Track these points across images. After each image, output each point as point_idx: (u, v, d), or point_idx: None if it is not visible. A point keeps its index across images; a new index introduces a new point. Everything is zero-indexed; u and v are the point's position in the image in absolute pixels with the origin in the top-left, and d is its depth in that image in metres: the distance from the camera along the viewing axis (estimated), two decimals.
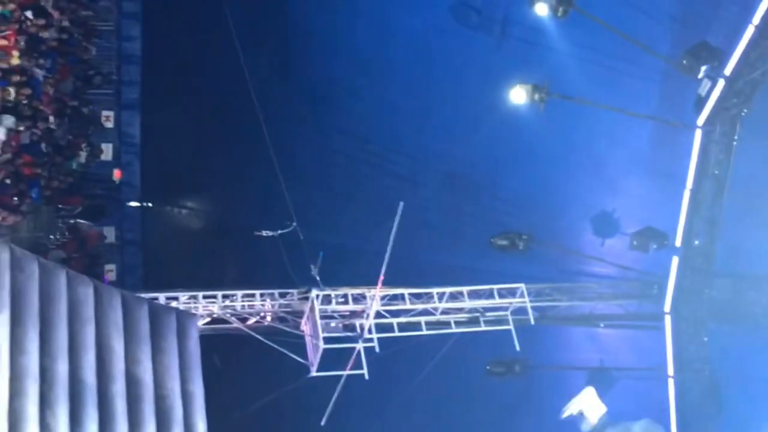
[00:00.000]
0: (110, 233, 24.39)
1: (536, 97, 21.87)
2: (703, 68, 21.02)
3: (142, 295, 18.43)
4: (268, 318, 21.32)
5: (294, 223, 21.36)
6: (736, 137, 21.60)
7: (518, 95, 22.07)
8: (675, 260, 22.59)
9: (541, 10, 21.02)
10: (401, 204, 19.40)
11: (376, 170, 26.56)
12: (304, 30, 26.03)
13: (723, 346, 22.67)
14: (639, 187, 23.78)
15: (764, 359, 22.29)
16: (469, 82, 25.10)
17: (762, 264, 22.32)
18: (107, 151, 24.45)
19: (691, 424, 22.50)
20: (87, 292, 16.31)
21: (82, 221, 23.59)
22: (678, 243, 22.47)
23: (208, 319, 20.87)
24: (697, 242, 22.41)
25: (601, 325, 24.18)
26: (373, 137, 26.41)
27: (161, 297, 20.18)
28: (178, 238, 26.28)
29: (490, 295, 22.17)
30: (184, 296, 20.59)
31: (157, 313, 17.14)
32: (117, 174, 24.61)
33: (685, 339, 22.60)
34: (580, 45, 23.71)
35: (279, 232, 21.10)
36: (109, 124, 24.45)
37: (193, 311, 20.02)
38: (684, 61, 21.16)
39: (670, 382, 22.62)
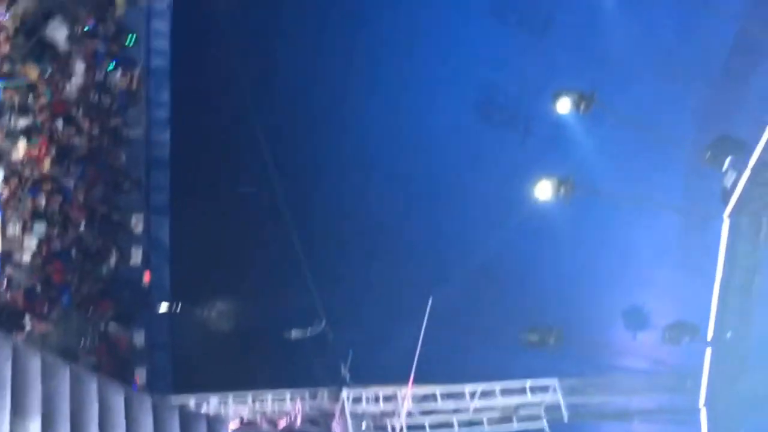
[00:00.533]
0: (140, 337, 24.42)
1: (561, 190, 21.98)
2: (728, 160, 21.10)
3: (172, 397, 18.40)
4: (299, 420, 21.19)
5: (323, 323, 21.39)
6: (763, 228, 21.55)
7: (543, 189, 22.20)
8: (708, 353, 22.36)
9: (564, 107, 21.26)
10: (430, 299, 19.42)
11: (405, 266, 26.55)
12: (332, 135, 26.35)
13: None
14: (669, 280, 23.66)
15: None
16: (495, 179, 25.25)
17: None
18: (137, 256, 24.63)
19: None
20: (118, 399, 16.28)
21: (112, 326, 23.67)
22: (710, 336, 22.27)
23: (239, 422, 20.78)
24: (729, 334, 22.21)
25: (636, 420, 23.84)
26: (402, 233, 26.48)
27: (191, 400, 20.15)
28: (208, 340, 26.27)
29: (522, 390, 21.99)
30: (214, 400, 20.55)
31: (187, 420, 17.05)
32: (146, 278, 24.74)
33: None
34: (604, 139, 23.88)
35: (309, 333, 21.13)
36: (139, 229, 24.66)
37: (224, 414, 19.93)
38: (708, 155, 21.27)
39: None
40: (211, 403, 20.40)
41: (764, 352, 22.37)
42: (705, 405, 22.34)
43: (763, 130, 20.89)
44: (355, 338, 22.07)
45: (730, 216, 21.65)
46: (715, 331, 22.17)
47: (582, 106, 21.97)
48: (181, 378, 24.97)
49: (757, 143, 21.04)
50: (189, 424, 16.94)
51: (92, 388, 16.10)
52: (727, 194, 21.50)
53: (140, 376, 24.06)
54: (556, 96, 22.76)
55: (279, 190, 22.06)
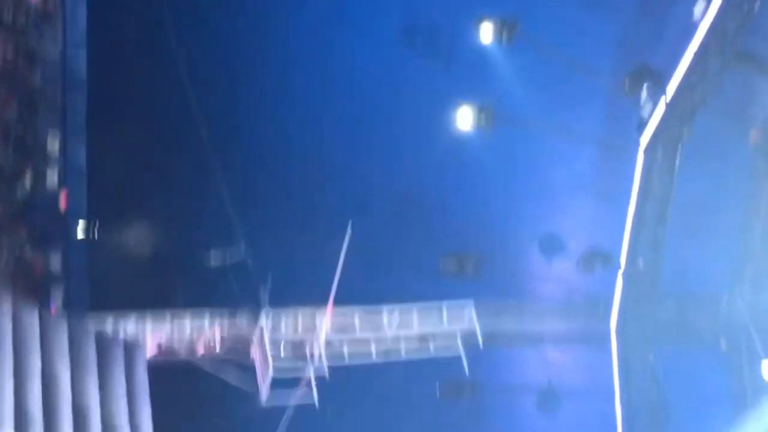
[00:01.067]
0: (56, 260, 24.10)
1: (482, 118, 22.10)
2: (645, 91, 21.35)
3: (89, 318, 18.30)
4: (217, 345, 21.22)
5: (243, 248, 21.33)
6: (677, 158, 21.94)
7: (464, 116, 22.30)
8: (620, 280, 22.89)
9: (486, 35, 21.25)
10: (350, 224, 19.48)
11: (327, 192, 26.55)
12: (254, 57, 26.02)
13: (669, 364, 22.98)
14: (584, 209, 24.01)
15: (709, 377, 22.63)
16: (416, 107, 25.24)
17: (706, 284, 22.69)
18: (52, 178, 24.20)
19: None
20: (32, 322, 16.20)
21: (27, 249, 23.31)
22: (622, 263, 22.77)
23: (156, 348, 20.74)
24: (641, 263, 22.72)
25: (549, 345, 24.39)
26: (321, 160, 26.41)
27: (108, 324, 20.03)
28: (125, 263, 26.03)
29: (439, 312, 22.31)
30: (131, 323, 20.45)
31: (104, 344, 17.09)
32: (62, 200, 24.34)
33: (631, 358, 22.90)
34: (525, 69, 23.96)
35: (229, 259, 21.07)
36: (55, 151, 24.19)
37: (141, 339, 19.88)
38: (626, 84, 21.49)
39: (617, 400, 22.86)
40: (129, 323, 20.29)
41: (675, 280, 22.97)
42: (616, 331, 22.95)
43: (679, 61, 21.14)
44: (275, 262, 22.06)
45: (646, 147, 22.02)
46: (627, 260, 22.68)
47: (504, 35, 21.97)
48: (98, 301, 24.79)
49: (674, 75, 21.29)
50: (106, 348, 16.97)
51: (7, 311, 15.98)
52: (643, 124, 21.81)
53: (56, 299, 23.82)
54: (478, 23, 22.74)
55: (198, 113, 21.77)
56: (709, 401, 22.45)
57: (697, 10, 20.99)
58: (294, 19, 25.48)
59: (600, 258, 22.86)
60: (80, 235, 23.36)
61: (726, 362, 22.59)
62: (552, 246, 24.12)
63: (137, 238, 25.13)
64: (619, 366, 22.86)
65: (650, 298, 22.91)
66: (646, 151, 21.85)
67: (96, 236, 23.66)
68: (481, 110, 22.08)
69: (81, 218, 24.25)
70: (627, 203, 22.40)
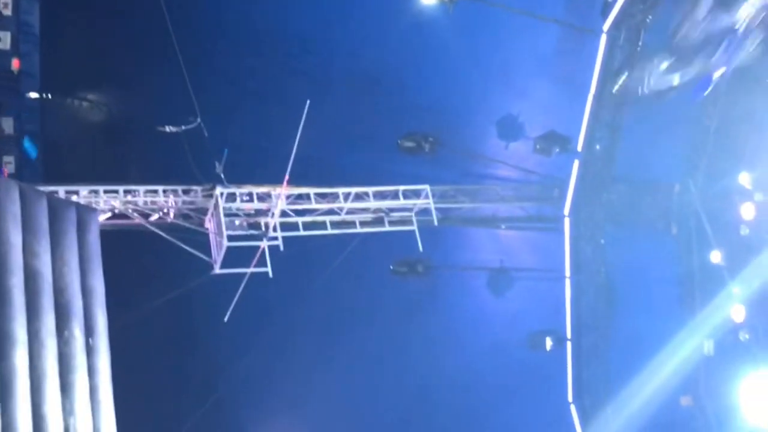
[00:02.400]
0: (8, 125, 23.74)
1: None
2: None
3: (41, 188, 18.08)
4: (171, 214, 21.14)
5: (198, 120, 21.09)
6: (640, 43, 21.87)
7: None
8: (576, 164, 23.01)
9: None
10: (308, 102, 19.32)
11: (284, 69, 26.25)
12: None
13: (619, 248, 23.31)
14: (544, 92, 23.97)
15: (657, 261, 23.00)
16: None
17: (659, 169, 22.89)
18: (5, 40, 23.68)
19: (585, 323, 23.22)
20: None
21: None
22: (580, 148, 22.86)
23: (110, 214, 20.62)
24: (598, 147, 22.84)
25: (503, 226, 24.61)
26: (282, 36, 26.04)
27: (61, 191, 19.84)
28: (79, 131, 25.69)
29: (395, 195, 22.42)
30: (84, 190, 20.26)
31: (56, 207, 16.84)
32: (15, 64, 23.88)
33: (583, 241, 23.18)
34: None
35: (183, 127, 20.84)
36: (8, 12, 23.63)
37: (94, 206, 19.72)
38: None
39: (567, 282, 23.22)
40: (81, 195, 20.11)
41: (630, 166, 23.14)
42: (569, 214, 23.16)
43: None
44: (233, 139, 21.88)
45: (608, 30, 21.89)
46: (584, 143, 22.76)
47: None
48: (50, 168, 24.56)
49: None
50: (58, 211, 16.76)
51: None
52: (607, 8, 21.65)
53: (9, 164, 23.56)
54: None
55: None
56: (657, 284, 22.86)
57: None
58: None
59: (558, 141, 22.91)
60: (33, 95, 22.95)
61: (676, 248, 22.92)
62: (510, 128, 24.13)
63: (92, 104, 24.79)
64: (570, 248, 23.13)
65: (605, 182, 23.09)
66: (609, 32, 21.72)
67: (49, 99, 23.29)
68: None
69: (34, 83, 23.87)
70: (587, 87, 22.35)
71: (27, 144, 23.73)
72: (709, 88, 20.41)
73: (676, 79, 20.82)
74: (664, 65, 20.75)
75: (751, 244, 21.95)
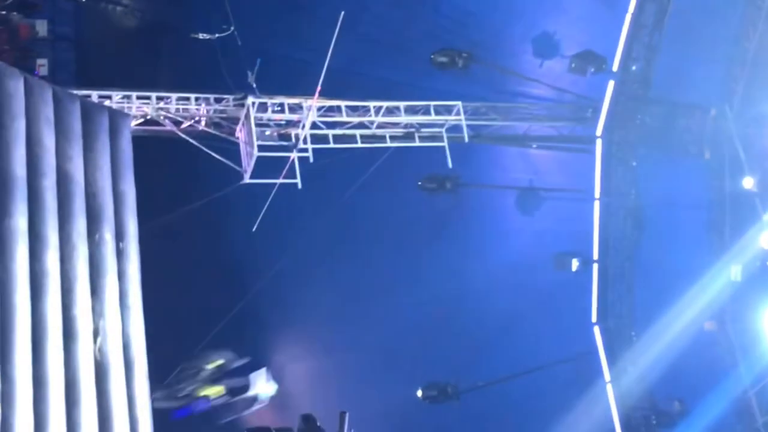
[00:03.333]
0: (42, 27, 23.68)
1: None
2: None
3: (74, 92, 18.10)
4: (203, 122, 21.17)
5: (232, 28, 20.99)
6: None
7: None
8: (611, 85, 22.76)
9: None
10: (342, 14, 19.15)
11: None
12: None
13: (650, 171, 23.16)
14: (581, 10, 23.61)
15: (688, 186, 22.84)
16: None
17: (695, 92, 22.60)
18: None
19: (612, 245, 23.20)
20: (17, 86, 15.93)
21: (14, 13, 22.87)
22: (615, 68, 22.60)
23: (142, 120, 20.68)
24: (634, 68, 22.56)
25: (534, 146, 24.47)
26: None
27: (94, 95, 19.88)
28: (113, 35, 25.61)
29: (426, 111, 22.33)
30: (117, 95, 20.31)
31: (89, 111, 16.89)
32: None
33: (614, 163, 23.04)
34: None
35: (217, 35, 20.76)
36: None
37: (126, 111, 19.77)
38: None
39: (596, 204, 23.16)
40: (114, 99, 20.15)
41: (665, 88, 22.86)
42: (602, 135, 23.00)
43: None
44: (266, 48, 21.77)
45: None
46: (621, 64, 22.49)
47: None
48: (83, 72, 24.55)
49: None
50: (91, 115, 16.82)
51: None
52: None
53: (42, 66, 23.57)
54: None
55: None
56: (687, 209, 22.74)
57: None
58: None
59: (593, 60, 22.62)
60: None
61: (708, 173, 22.73)
62: (545, 46, 23.82)
63: (126, 9, 24.69)
64: (601, 170, 23.01)
65: (639, 104, 22.85)
66: None
67: (83, 2, 23.17)
68: None
69: None
70: (625, 6, 22.00)
71: None
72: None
73: None
74: None
75: None
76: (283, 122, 21.36)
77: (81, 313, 15.76)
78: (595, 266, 23.35)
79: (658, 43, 22.13)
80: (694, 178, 22.98)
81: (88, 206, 16.41)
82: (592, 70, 22.70)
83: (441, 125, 22.30)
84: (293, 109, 21.40)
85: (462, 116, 22.42)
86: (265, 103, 21.14)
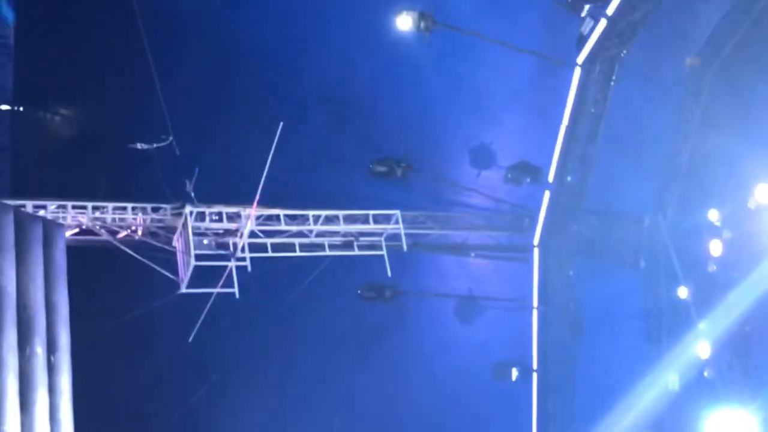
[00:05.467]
0: None
1: (422, 24, 21.90)
2: (587, 7, 21.29)
3: (9, 202, 17.90)
4: (140, 232, 20.96)
5: (170, 138, 20.98)
6: (614, 77, 22.00)
7: (404, 22, 22.09)
8: (547, 195, 23.07)
9: None
10: (281, 124, 19.26)
11: (257, 89, 26.22)
12: None
13: (588, 280, 23.36)
14: (517, 122, 24.06)
15: (626, 295, 23.07)
16: (356, 10, 24.89)
17: (630, 203, 22.99)
18: None
19: (551, 354, 23.22)
20: None
21: None
22: (551, 178, 22.93)
23: (77, 230, 20.41)
24: (569, 179, 22.91)
25: (472, 254, 24.59)
26: (257, 57, 26.02)
27: (29, 205, 19.60)
28: (50, 145, 25.49)
29: (365, 220, 22.36)
30: (52, 205, 20.05)
31: (22, 222, 16.72)
32: None
33: (552, 272, 23.21)
34: None
35: (155, 145, 20.71)
36: None
37: (62, 221, 19.53)
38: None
39: (535, 313, 23.23)
40: (49, 210, 19.90)
41: (600, 198, 23.22)
42: (538, 244, 23.20)
43: None
44: (203, 156, 21.78)
45: (583, 63, 21.99)
46: (556, 175, 22.83)
47: None
48: (19, 182, 24.32)
49: None
50: (24, 226, 16.63)
51: None
52: (582, 40, 21.75)
53: None
54: None
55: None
56: (625, 318, 22.92)
57: None
58: None
59: (529, 171, 22.97)
60: (4, 107, 22.72)
61: (644, 282, 22.99)
62: (482, 156, 24.17)
63: (64, 118, 24.61)
64: (539, 279, 23.16)
65: (575, 214, 23.15)
66: (583, 65, 21.83)
67: (21, 111, 23.08)
68: (420, 14, 21.84)
69: (6, 95, 23.66)
70: (560, 118, 22.44)
71: None
72: None
73: None
74: None
75: (719, 281, 22.07)
76: (221, 231, 21.21)
77: (10, 429, 15.31)
78: (535, 375, 23.31)
79: (592, 155, 22.55)
80: (631, 288, 23.25)
81: (19, 318, 16.12)
82: (528, 180, 23.04)
83: (380, 234, 22.33)
84: (231, 217, 21.28)
85: (401, 225, 22.47)
86: (203, 212, 21.00)
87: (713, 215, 22.13)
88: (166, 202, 21.02)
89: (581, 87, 22.11)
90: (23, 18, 23.76)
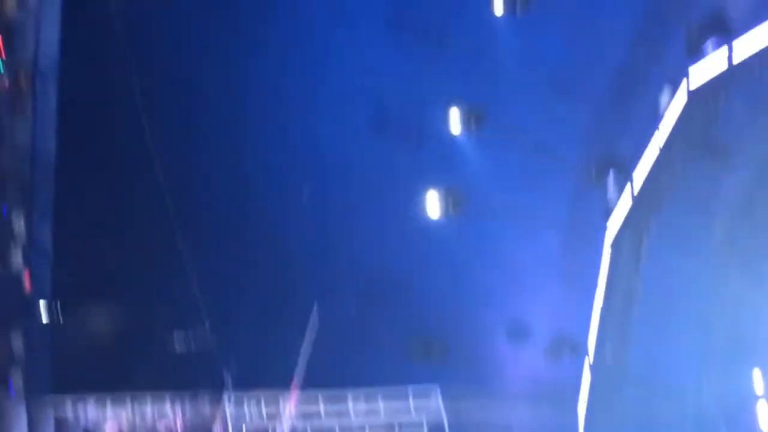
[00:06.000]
0: (17, 340, 23.71)
1: (450, 203, 22.27)
2: (611, 179, 21.61)
3: (49, 398, 17.92)
4: (179, 427, 20.87)
5: (207, 327, 21.16)
6: (643, 251, 22.04)
7: (432, 202, 22.50)
8: (587, 368, 22.83)
9: (455, 122, 21.52)
10: (315, 306, 19.39)
11: (292, 274, 26.44)
12: (224, 144, 26.12)
13: None
14: (551, 295, 23.98)
15: None
16: (385, 192, 25.34)
17: (673, 373, 22.63)
18: (17, 258, 23.96)
19: None
20: None
21: None
22: (590, 353, 22.74)
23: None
24: (609, 353, 22.68)
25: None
26: (289, 243, 26.36)
27: (69, 401, 19.65)
28: (88, 343, 25.63)
29: (404, 397, 22.15)
30: (92, 401, 20.09)
31: (64, 429, 16.67)
32: (26, 280, 24.09)
33: None
34: (493, 155, 24.18)
35: (191, 337, 20.87)
36: (20, 231, 23.99)
37: (102, 420, 19.52)
38: (593, 172, 21.73)
39: None
40: (89, 406, 19.93)
41: (642, 370, 22.88)
42: (584, 421, 22.80)
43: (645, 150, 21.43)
44: (239, 344, 21.88)
45: (613, 242, 22.07)
46: (595, 349, 22.63)
47: (473, 122, 22.25)
48: (59, 380, 24.35)
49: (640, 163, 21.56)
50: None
51: None
52: (609, 212, 21.99)
53: (17, 381, 23.36)
54: (448, 110, 23.06)
55: (166, 195, 21.72)
56: None
57: (663, 101, 21.38)
58: (263, 96, 25.68)
59: (567, 345, 22.81)
60: (44, 317, 23.11)
61: None
62: (519, 332, 24.05)
63: (101, 319, 24.83)
64: None
65: (618, 387, 22.79)
66: (613, 246, 21.95)
67: (60, 318, 23.38)
68: (448, 195, 22.24)
69: (45, 299, 23.99)
70: (593, 289, 22.44)
71: None
72: None
73: None
74: None
75: None
76: (260, 425, 21.11)
77: None
78: None
79: (629, 328, 22.43)
80: None
81: None
82: (568, 354, 22.87)
83: (420, 424, 22.09)
84: (270, 403, 21.22)
85: (441, 405, 22.25)
86: (242, 405, 20.96)
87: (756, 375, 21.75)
88: (204, 396, 20.99)
89: (612, 265, 22.20)
90: (59, 225, 24.40)
